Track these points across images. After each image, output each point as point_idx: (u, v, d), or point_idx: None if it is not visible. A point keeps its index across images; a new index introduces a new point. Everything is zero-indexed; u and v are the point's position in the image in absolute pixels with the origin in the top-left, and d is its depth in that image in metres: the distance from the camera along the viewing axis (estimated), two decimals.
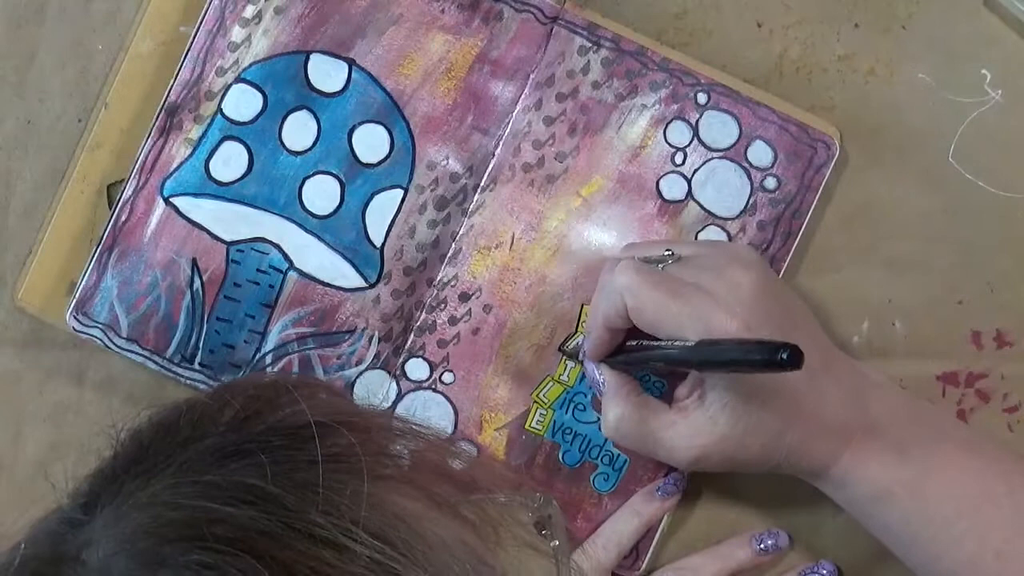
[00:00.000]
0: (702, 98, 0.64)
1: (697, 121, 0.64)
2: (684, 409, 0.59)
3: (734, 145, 0.64)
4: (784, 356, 0.50)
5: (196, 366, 0.64)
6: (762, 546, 0.65)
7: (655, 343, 0.58)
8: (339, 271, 0.64)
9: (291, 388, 0.45)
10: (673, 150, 0.64)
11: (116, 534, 0.40)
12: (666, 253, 0.60)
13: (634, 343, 0.60)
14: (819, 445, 0.58)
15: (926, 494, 0.58)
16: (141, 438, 0.44)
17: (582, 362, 0.63)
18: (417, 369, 0.65)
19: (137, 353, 0.64)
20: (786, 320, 0.58)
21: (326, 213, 0.64)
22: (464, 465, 0.50)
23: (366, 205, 0.64)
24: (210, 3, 0.63)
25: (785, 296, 0.60)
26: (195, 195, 0.64)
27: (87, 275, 0.64)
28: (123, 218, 0.64)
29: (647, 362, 0.60)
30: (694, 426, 0.58)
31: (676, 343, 0.56)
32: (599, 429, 0.64)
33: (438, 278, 0.64)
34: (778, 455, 0.58)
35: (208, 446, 0.42)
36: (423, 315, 0.64)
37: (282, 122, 0.64)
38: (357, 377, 0.64)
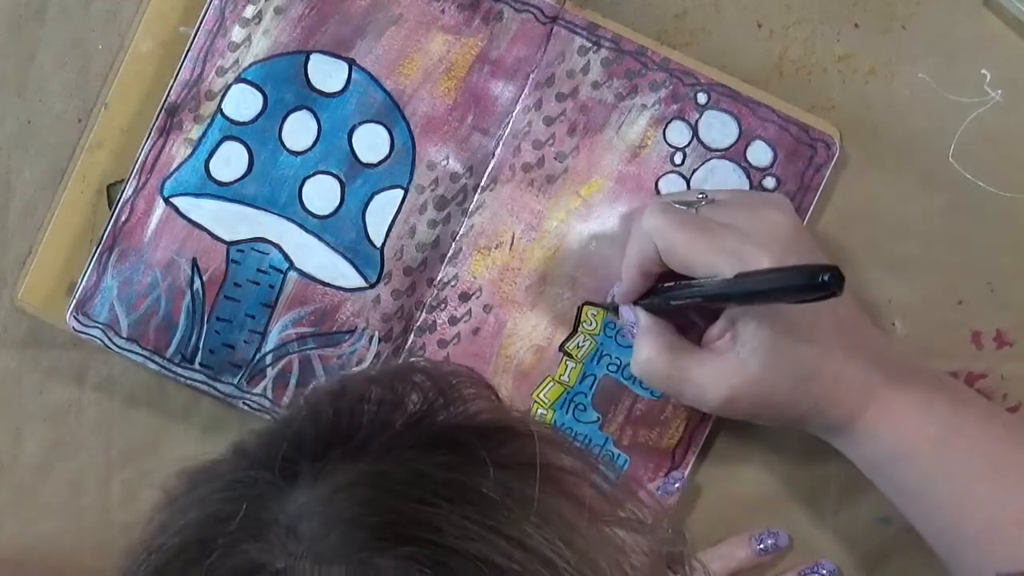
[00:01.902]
0: (702, 98, 0.64)
1: (697, 121, 0.64)
2: (715, 350, 0.59)
3: (734, 145, 0.64)
4: (826, 278, 0.48)
5: (196, 366, 0.64)
6: (762, 546, 0.65)
7: (691, 281, 0.58)
8: (339, 271, 0.64)
9: (476, 382, 0.44)
10: (672, 150, 0.64)
11: (328, 512, 0.38)
12: (699, 196, 0.60)
13: (671, 284, 0.60)
14: (848, 392, 0.58)
15: (949, 453, 0.58)
16: (325, 405, 0.43)
17: (616, 308, 0.63)
18: None
19: (137, 353, 0.64)
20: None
21: (326, 213, 0.64)
22: (610, 487, 0.48)
23: (366, 205, 0.64)
24: (210, 3, 0.63)
25: (815, 244, 0.60)
26: (195, 195, 0.64)
27: (87, 275, 0.64)
28: (123, 218, 0.64)
29: (684, 299, 0.59)
30: (726, 367, 0.58)
31: (714, 279, 0.56)
32: (599, 428, 0.64)
33: (438, 278, 0.64)
34: (807, 401, 0.58)
35: (413, 432, 0.41)
36: (423, 315, 0.64)
37: (282, 122, 0.64)
38: None
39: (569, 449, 0.45)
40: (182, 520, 0.41)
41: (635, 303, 0.62)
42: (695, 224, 0.58)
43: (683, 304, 0.60)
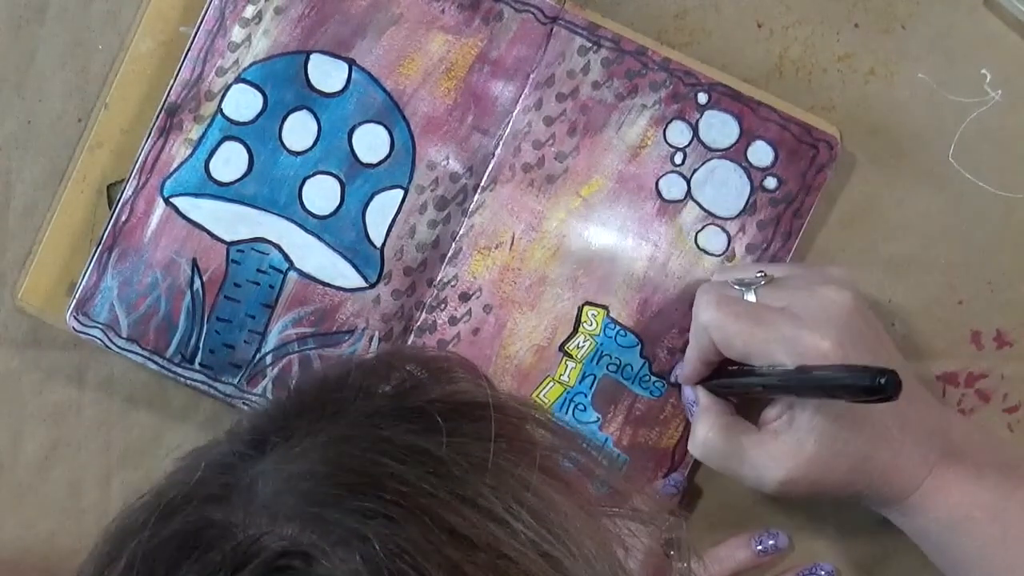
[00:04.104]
0: (702, 98, 0.64)
1: (697, 121, 0.64)
2: (773, 431, 0.59)
3: (734, 145, 0.64)
4: (882, 381, 0.50)
5: (196, 366, 0.64)
6: (762, 546, 0.65)
7: (753, 368, 0.58)
8: (339, 271, 0.64)
9: (464, 367, 0.46)
10: (673, 150, 0.64)
11: (287, 472, 0.40)
12: (758, 275, 0.60)
13: (735, 367, 0.60)
14: (903, 471, 0.58)
15: (1005, 518, 0.58)
16: (308, 387, 0.45)
17: (677, 384, 0.64)
18: None
19: (137, 353, 0.64)
20: (877, 344, 0.58)
21: (326, 213, 0.64)
22: (609, 476, 0.49)
23: (366, 205, 0.64)
24: (210, 3, 0.63)
25: (874, 322, 0.60)
26: (195, 195, 0.64)
27: (87, 275, 0.64)
28: (123, 218, 0.64)
29: (743, 388, 0.60)
30: (783, 448, 0.58)
31: (775, 368, 0.56)
32: (599, 428, 0.64)
33: (438, 278, 0.64)
34: (863, 480, 0.58)
35: (381, 405, 0.43)
36: (423, 315, 0.64)
37: (282, 122, 0.64)
38: None
39: (554, 428, 0.46)
40: (157, 486, 0.43)
41: (698, 384, 0.62)
42: (749, 314, 0.58)
43: (743, 392, 0.60)
